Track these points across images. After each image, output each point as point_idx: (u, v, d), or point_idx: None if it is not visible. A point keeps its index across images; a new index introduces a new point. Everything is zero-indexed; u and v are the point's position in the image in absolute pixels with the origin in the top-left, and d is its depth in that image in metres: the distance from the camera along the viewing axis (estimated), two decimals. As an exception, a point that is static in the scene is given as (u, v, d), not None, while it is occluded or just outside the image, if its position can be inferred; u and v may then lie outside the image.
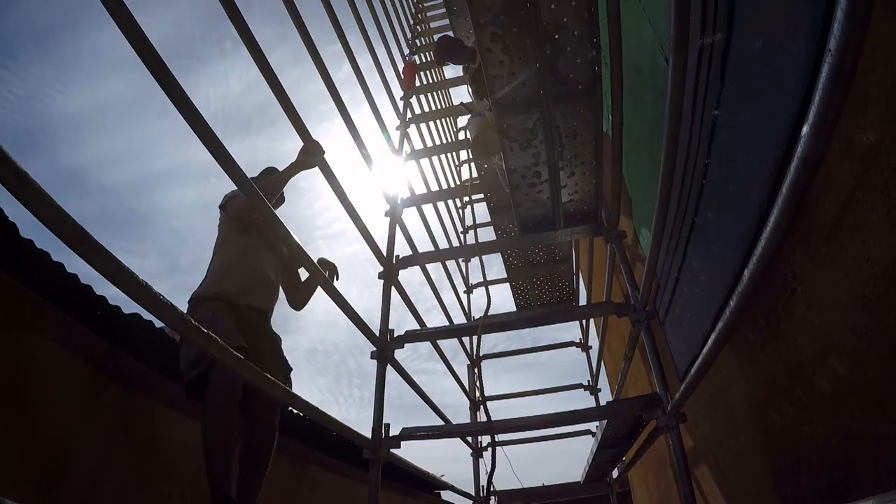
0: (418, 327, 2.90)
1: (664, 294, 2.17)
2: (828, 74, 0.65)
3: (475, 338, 2.84)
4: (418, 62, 4.53)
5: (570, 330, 10.90)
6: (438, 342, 3.15)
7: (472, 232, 5.18)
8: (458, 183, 5.24)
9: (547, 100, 1.94)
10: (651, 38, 1.89)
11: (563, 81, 1.91)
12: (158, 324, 2.21)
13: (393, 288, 2.63)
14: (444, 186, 4.55)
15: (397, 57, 3.90)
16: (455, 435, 2.87)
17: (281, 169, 2.26)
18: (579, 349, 5.03)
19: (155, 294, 0.91)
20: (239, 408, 1.84)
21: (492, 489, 3.48)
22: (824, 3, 0.87)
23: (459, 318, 4.56)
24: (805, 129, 0.72)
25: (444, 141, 4.98)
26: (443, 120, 5.03)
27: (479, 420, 4.37)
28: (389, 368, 2.35)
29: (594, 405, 4.54)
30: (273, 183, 2.22)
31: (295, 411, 2.74)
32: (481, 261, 5.12)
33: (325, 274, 1.90)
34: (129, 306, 2.20)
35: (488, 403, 3.68)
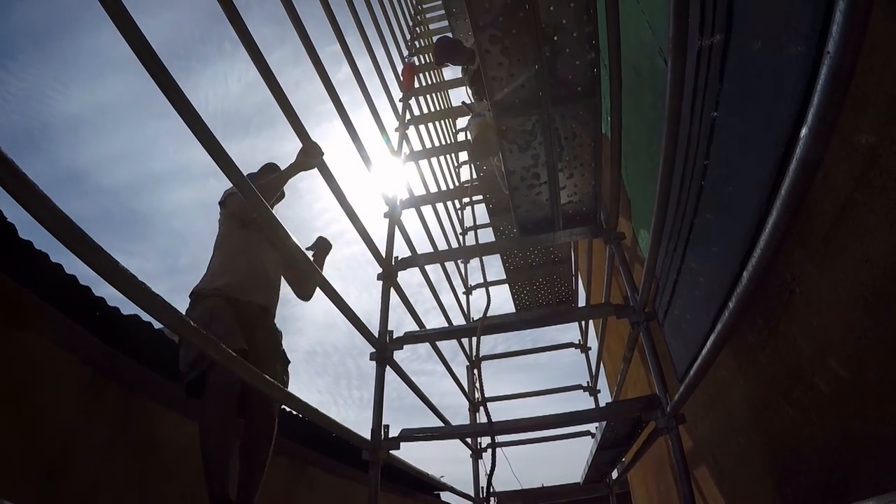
0: (417, 328, 2.90)
1: (663, 295, 2.17)
2: (826, 76, 0.65)
3: (474, 339, 2.83)
4: (417, 64, 4.53)
5: (569, 331, 10.91)
6: (437, 343, 3.15)
7: (471, 233, 5.18)
8: (457, 184, 5.24)
9: (546, 101, 1.94)
10: (650, 39, 1.89)
11: (561, 83, 1.91)
12: (157, 325, 2.21)
13: (392, 289, 2.62)
14: (444, 188, 4.55)
15: (396, 58, 3.91)
16: (455, 436, 2.87)
17: (281, 166, 2.26)
18: (578, 350, 5.03)
19: (154, 295, 0.91)
20: (237, 407, 1.84)
21: (491, 490, 3.48)
22: (823, 5, 0.87)
23: (458, 320, 4.56)
24: (804, 131, 0.72)
25: (444, 142, 4.98)
26: (442, 121, 5.03)
27: (478, 421, 4.37)
28: (389, 370, 2.35)
29: (593, 406, 4.54)
30: (272, 183, 2.23)
31: (294, 413, 2.74)
32: (482, 262, 5.13)
33: (321, 270, 1.89)
34: (128, 307, 2.20)
35: (488, 404, 3.68)
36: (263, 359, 1.99)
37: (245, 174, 1.34)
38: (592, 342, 4.80)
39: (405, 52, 4.29)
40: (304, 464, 3.58)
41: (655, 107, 1.96)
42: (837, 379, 1.08)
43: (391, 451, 2.13)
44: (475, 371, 4.39)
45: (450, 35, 4.02)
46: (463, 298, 4.92)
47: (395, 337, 2.43)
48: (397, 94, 3.80)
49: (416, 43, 4.89)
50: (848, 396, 1.06)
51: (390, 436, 2.14)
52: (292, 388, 2.16)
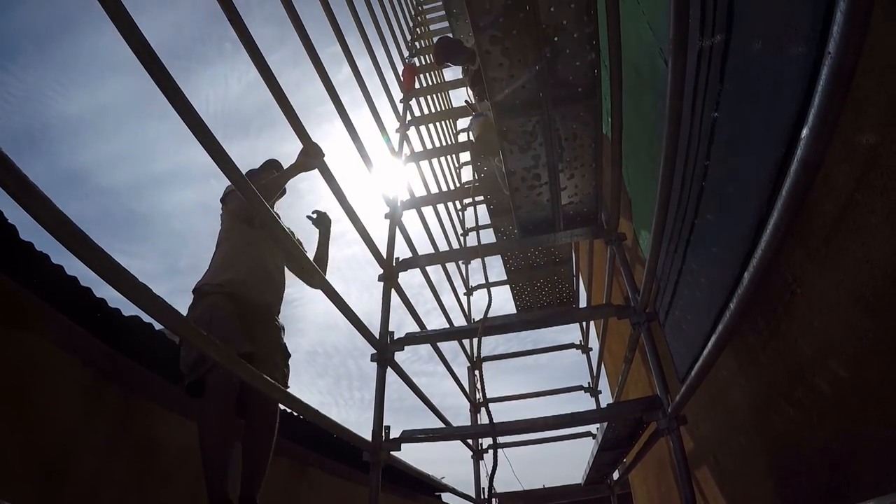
0: (418, 329, 2.90)
1: (664, 296, 2.17)
2: (827, 76, 0.65)
3: (475, 340, 2.83)
4: (418, 64, 4.53)
5: (570, 332, 10.88)
6: (438, 344, 3.15)
7: (472, 234, 5.18)
8: (458, 185, 5.24)
9: (546, 102, 1.94)
10: (650, 40, 1.89)
11: (562, 84, 1.91)
12: (158, 326, 2.21)
13: (393, 290, 2.62)
14: (445, 189, 4.55)
15: (397, 59, 3.91)
16: (456, 437, 2.86)
17: (283, 164, 2.26)
18: (579, 351, 5.03)
19: (155, 297, 0.91)
20: (236, 407, 1.85)
21: (492, 491, 3.48)
22: (824, 5, 0.87)
23: (459, 320, 4.56)
24: (805, 131, 0.72)
25: (444, 143, 4.98)
26: (443, 122, 5.03)
27: (479, 422, 4.37)
28: (390, 371, 2.34)
29: (594, 407, 4.54)
30: (272, 184, 2.23)
31: (295, 414, 2.74)
32: (483, 263, 5.13)
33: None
34: (128, 308, 2.21)
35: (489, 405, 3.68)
36: (265, 355, 1.99)
37: (247, 170, 1.34)
38: (593, 343, 4.80)
39: (406, 53, 4.29)
40: (305, 465, 3.58)
41: (656, 107, 1.96)
42: (838, 380, 1.08)
43: (392, 453, 2.12)
44: (476, 372, 4.39)
45: (450, 35, 4.02)
46: (464, 299, 4.92)
47: (396, 338, 2.43)
48: (398, 94, 3.80)
49: (417, 44, 4.90)
50: (849, 397, 1.06)
51: (391, 437, 2.14)
52: (293, 388, 2.16)
